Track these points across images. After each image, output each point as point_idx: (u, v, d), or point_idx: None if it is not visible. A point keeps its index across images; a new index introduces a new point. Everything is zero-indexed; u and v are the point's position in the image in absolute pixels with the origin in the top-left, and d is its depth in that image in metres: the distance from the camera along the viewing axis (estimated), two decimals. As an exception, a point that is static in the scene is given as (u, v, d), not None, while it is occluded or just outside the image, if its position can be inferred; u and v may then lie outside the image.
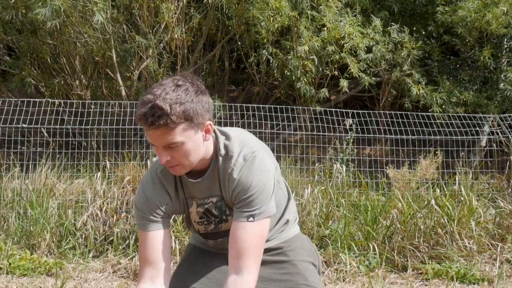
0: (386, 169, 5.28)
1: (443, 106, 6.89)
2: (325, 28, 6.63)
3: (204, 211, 2.00)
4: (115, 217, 4.70)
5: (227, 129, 1.98)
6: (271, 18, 6.47)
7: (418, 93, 6.85)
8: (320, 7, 6.75)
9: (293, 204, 2.15)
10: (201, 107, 1.82)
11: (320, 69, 6.86)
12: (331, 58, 6.73)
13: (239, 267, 1.86)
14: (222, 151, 1.92)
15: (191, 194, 1.99)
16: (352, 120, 5.55)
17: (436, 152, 5.28)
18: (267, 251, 2.03)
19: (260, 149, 1.94)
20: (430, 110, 6.80)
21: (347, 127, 5.54)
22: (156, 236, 1.96)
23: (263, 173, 1.90)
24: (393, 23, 7.23)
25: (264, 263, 1.97)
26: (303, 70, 6.60)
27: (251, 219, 1.88)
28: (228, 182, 1.90)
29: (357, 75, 6.67)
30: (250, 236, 1.87)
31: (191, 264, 2.13)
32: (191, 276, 2.08)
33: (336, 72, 6.91)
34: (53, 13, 5.84)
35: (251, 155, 1.90)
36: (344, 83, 6.76)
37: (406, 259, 4.50)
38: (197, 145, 1.85)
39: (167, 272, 1.96)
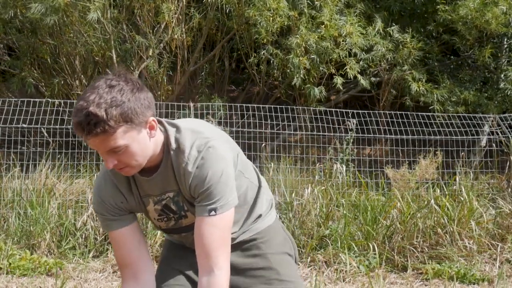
0: (385, 169, 5.28)
1: (444, 105, 6.90)
2: (323, 26, 6.63)
3: (162, 207, 1.93)
4: (115, 217, 4.69)
5: (177, 121, 1.89)
6: (271, 19, 6.47)
7: (418, 89, 6.86)
8: (317, 3, 6.75)
9: (266, 191, 2.08)
10: (139, 105, 1.72)
11: (320, 68, 6.86)
12: (330, 57, 6.73)
13: (209, 266, 1.80)
14: (173, 145, 1.82)
15: (146, 192, 1.91)
16: (353, 122, 5.55)
17: (436, 152, 5.28)
18: (240, 244, 1.99)
19: (215, 137, 1.85)
20: (430, 108, 6.81)
21: (349, 127, 5.54)
22: (123, 234, 1.91)
23: (218, 162, 1.80)
24: (393, 24, 7.23)
25: (237, 256, 1.95)
26: (304, 69, 6.60)
27: (212, 213, 1.80)
28: (184, 177, 1.82)
29: (353, 76, 6.67)
30: (214, 229, 1.80)
31: (170, 263, 2.08)
32: (172, 272, 2.04)
33: (333, 71, 6.90)
34: (47, 9, 5.81)
35: (205, 145, 1.81)
36: (338, 80, 6.74)
37: (406, 259, 4.50)
38: (142, 144, 1.75)
39: (147, 262, 1.92)
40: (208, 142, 1.81)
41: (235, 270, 1.94)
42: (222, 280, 1.81)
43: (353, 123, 5.52)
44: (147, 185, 1.89)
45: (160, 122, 1.85)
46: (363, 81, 6.87)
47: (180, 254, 2.08)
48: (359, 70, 6.79)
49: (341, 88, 7.00)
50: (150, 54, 6.92)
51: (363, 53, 6.83)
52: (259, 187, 2.03)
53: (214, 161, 1.80)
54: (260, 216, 2.04)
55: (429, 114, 6.06)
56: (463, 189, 4.92)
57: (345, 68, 6.70)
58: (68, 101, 6.16)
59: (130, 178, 1.89)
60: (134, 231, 1.93)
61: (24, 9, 6.38)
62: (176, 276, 2.03)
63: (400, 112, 5.79)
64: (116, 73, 1.76)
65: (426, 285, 4.25)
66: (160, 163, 1.85)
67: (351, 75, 6.65)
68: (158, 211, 1.94)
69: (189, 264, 2.02)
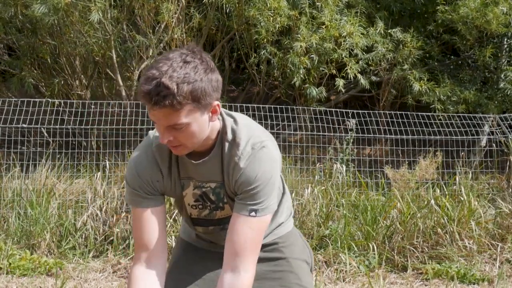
0: (385, 169, 5.28)
1: (444, 104, 6.90)
2: (324, 26, 6.64)
3: (201, 193, 1.89)
4: (115, 217, 4.70)
5: (234, 113, 1.85)
6: (271, 18, 6.47)
7: (420, 89, 6.86)
8: (318, 3, 6.75)
9: (288, 198, 2.07)
10: (209, 86, 1.67)
11: (320, 68, 6.86)
12: (331, 57, 6.73)
13: (236, 264, 1.77)
14: (229, 136, 1.79)
15: (188, 174, 1.86)
16: (353, 122, 5.55)
17: (436, 153, 5.28)
18: (262, 247, 1.93)
19: (268, 139, 1.83)
20: (431, 107, 6.81)
21: (349, 127, 5.54)
22: (149, 213, 1.84)
23: (270, 164, 1.79)
24: (393, 24, 7.23)
25: (258, 260, 1.89)
26: (303, 69, 6.60)
27: (253, 213, 1.77)
28: (233, 171, 1.78)
29: (353, 75, 6.67)
30: (251, 231, 1.77)
31: (184, 266, 2.04)
32: (185, 277, 2.00)
33: (334, 71, 6.91)
34: (50, 9, 5.82)
35: (260, 144, 1.78)
36: (340, 82, 6.75)
37: (406, 259, 4.50)
38: (202, 126, 1.71)
39: (162, 251, 1.87)
40: (263, 142, 1.79)
41: (257, 274, 1.89)
42: (247, 283, 1.78)
43: (353, 123, 5.52)
44: (192, 168, 1.84)
45: None
46: (363, 81, 6.87)
47: (194, 258, 2.05)
48: (359, 70, 6.79)
49: (342, 90, 7.01)
50: (150, 54, 6.91)
51: (363, 53, 6.84)
52: (284, 193, 2.02)
53: (266, 162, 1.78)
54: (281, 224, 2.03)
55: (429, 114, 6.06)
56: (463, 189, 4.92)
57: (345, 69, 6.71)
58: (68, 101, 6.16)
59: (173, 158, 1.84)
60: (160, 214, 1.87)
61: (24, 8, 6.38)
62: (191, 281, 2.00)
63: (400, 112, 5.79)
64: (191, 48, 1.70)
65: (426, 285, 4.25)
66: (210, 149, 1.81)
67: (351, 75, 6.65)
68: (196, 196, 1.90)
69: (200, 271, 2.00)
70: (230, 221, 1.82)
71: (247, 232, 1.77)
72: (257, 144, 1.78)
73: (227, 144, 1.79)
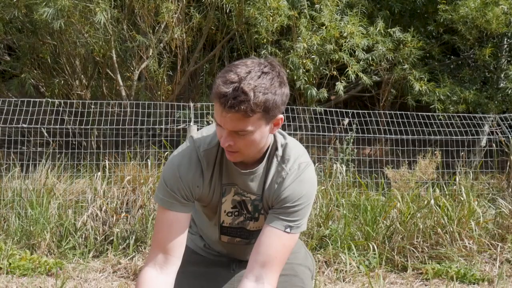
0: (385, 169, 5.27)
1: (444, 103, 6.90)
2: (324, 27, 6.64)
3: (240, 200, 1.90)
4: (115, 217, 4.70)
5: (284, 133, 1.92)
6: (271, 18, 6.47)
7: (420, 89, 6.86)
8: (317, 6, 6.76)
9: None
10: (280, 100, 1.71)
11: (321, 68, 6.86)
12: (331, 58, 6.73)
13: (261, 275, 1.78)
14: (280, 152, 1.85)
15: (232, 180, 1.87)
16: (352, 120, 5.55)
17: (435, 152, 5.28)
18: None
19: (312, 163, 1.89)
20: (431, 107, 6.81)
21: (344, 126, 5.54)
22: (178, 218, 1.83)
23: (313, 186, 1.86)
24: (394, 23, 7.23)
25: None
26: (303, 70, 6.60)
27: (288, 229, 1.80)
28: (277, 185, 1.83)
29: (355, 75, 6.67)
30: (282, 246, 1.80)
31: (193, 273, 2.03)
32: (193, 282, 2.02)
33: (335, 72, 6.91)
34: (58, 12, 5.83)
35: (306, 165, 1.84)
36: (340, 86, 6.76)
37: (406, 259, 4.50)
38: (262, 136, 1.75)
39: (179, 259, 1.85)
40: (308, 163, 1.86)
41: None
42: None
43: (347, 122, 5.52)
44: (237, 176, 1.86)
45: None
46: (365, 78, 6.86)
47: (207, 270, 2.06)
48: (360, 70, 6.80)
49: (342, 93, 7.02)
50: (150, 54, 6.92)
51: (364, 53, 6.84)
52: None
53: (311, 183, 1.85)
54: None
55: (429, 114, 6.06)
56: (463, 189, 4.92)
57: (346, 70, 6.71)
58: (68, 101, 6.16)
59: (217, 165, 1.86)
60: (187, 221, 1.86)
61: (25, 9, 6.38)
62: None
63: (400, 112, 5.79)
64: (270, 61, 1.74)
65: (426, 285, 4.25)
66: (258, 162, 1.85)
67: (352, 76, 6.65)
68: (235, 202, 1.91)
69: (217, 279, 2.04)
70: (261, 232, 1.83)
71: (279, 247, 1.80)
72: (303, 164, 1.84)
73: (275, 160, 1.85)
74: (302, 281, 2.03)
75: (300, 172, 1.83)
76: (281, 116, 1.76)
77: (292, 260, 2.03)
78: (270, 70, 1.70)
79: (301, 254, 2.12)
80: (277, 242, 1.80)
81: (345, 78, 6.80)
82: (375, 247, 4.47)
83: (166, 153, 5.20)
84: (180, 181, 1.82)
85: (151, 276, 1.82)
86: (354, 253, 4.49)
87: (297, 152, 1.85)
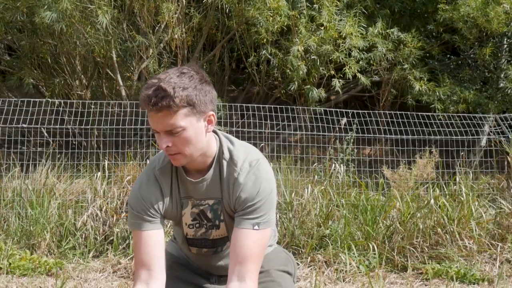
0: (384, 169, 5.27)
1: (444, 103, 6.90)
2: (322, 27, 6.64)
3: (198, 212, 1.99)
4: (115, 217, 4.70)
5: (230, 136, 1.99)
6: (271, 18, 6.47)
7: (420, 89, 6.87)
8: (315, 5, 6.76)
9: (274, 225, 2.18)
10: (204, 94, 1.82)
11: (320, 69, 6.86)
12: (330, 58, 6.73)
13: (242, 273, 1.84)
14: (226, 155, 1.92)
15: (188, 193, 1.96)
16: (352, 120, 5.55)
17: (432, 151, 5.27)
18: None
19: (263, 158, 1.95)
20: (431, 107, 6.80)
21: (342, 126, 5.54)
22: (150, 236, 1.93)
23: (269, 180, 1.92)
24: (393, 23, 7.23)
25: None
26: (301, 72, 6.60)
27: (256, 227, 1.87)
28: (234, 186, 1.90)
29: (352, 75, 6.67)
30: (254, 244, 1.87)
31: (174, 277, 2.08)
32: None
33: (333, 72, 6.91)
34: (59, 15, 5.83)
35: (257, 162, 1.91)
36: (337, 83, 6.76)
37: (406, 259, 4.50)
38: (198, 134, 1.83)
39: (162, 272, 1.94)
40: (259, 160, 1.92)
41: None
42: None
43: (344, 122, 5.52)
44: (191, 187, 1.95)
45: (215, 132, 1.94)
46: (363, 79, 6.87)
47: (180, 276, 2.11)
48: (359, 69, 6.80)
49: (340, 91, 7.02)
50: (150, 54, 6.92)
51: (364, 52, 6.84)
52: None
53: (265, 178, 1.91)
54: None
55: (429, 114, 6.06)
56: (463, 189, 4.92)
57: (344, 69, 6.71)
58: (68, 101, 6.16)
59: (173, 180, 1.95)
60: (160, 237, 1.95)
61: (26, 10, 6.38)
62: None
63: (400, 112, 5.78)
64: (189, 64, 1.90)
65: (426, 285, 4.25)
66: (208, 168, 1.93)
67: (350, 75, 6.66)
68: (193, 215, 2.00)
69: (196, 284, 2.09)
70: (232, 236, 1.90)
71: (251, 245, 1.86)
72: (253, 162, 1.91)
73: (225, 162, 1.92)
74: (279, 285, 2.07)
75: (251, 170, 1.89)
76: (211, 112, 1.86)
77: (268, 267, 2.08)
78: (188, 70, 1.83)
79: (280, 259, 2.16)
80: (249, 241, 1.86)
81: (342, 76, 6.80)
82: (375, 247, 4.46)
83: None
84: (143, 201, 1.93)
85: None
86: (354, 253, 4.49)
87: (245, 152, 1.92)
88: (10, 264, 4.26)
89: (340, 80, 6.82)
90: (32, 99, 5.52)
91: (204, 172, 1.93)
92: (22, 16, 6.43)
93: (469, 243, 4.56)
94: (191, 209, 1.98)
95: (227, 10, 7.02)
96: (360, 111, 5.71)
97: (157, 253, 1.93)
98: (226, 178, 1.91)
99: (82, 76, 7.33)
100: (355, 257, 4.44)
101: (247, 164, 1.90)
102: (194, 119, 1.81)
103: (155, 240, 1.93)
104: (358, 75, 6.76)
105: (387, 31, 7.07)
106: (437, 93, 6.86)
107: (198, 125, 1.82)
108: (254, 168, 1.90)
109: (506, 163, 5.54)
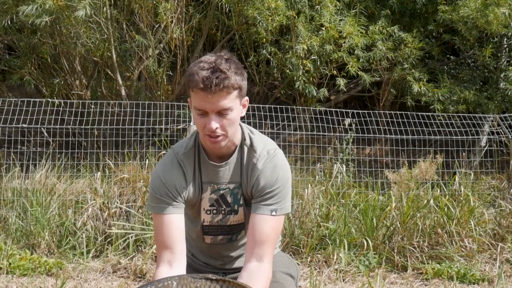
0: (385, 171, 5.27)
1: (444, 104, 6.90)
2: (323, 28, 6.64)
3: (217, 197, 2.04)
4: (115, 217, 4.70)
5: (250, 127, 2.09)
6: (269, 18, 6.47)
7: (419, 90, 6.87)
8: (317, 6, 6.76)
9: None
10: (245, 80, 1.92)
11: (320, 69, 6.86)
12: (331, 58, 6.73)
13: (261, 254, 1.92)
14: (248, 141, 2.01)
15: (209, 178, 2.02)
16: (352, 120, 5.55)
17: (436, 156, 5.27)
18: None
19: (279, 149, 2.05)
20: (431, 107, 6.80)
21: (346, 126, 5.54)
22: (172, 220, 1.97)
23: (286, 169, 2.01)
24: (394, 24, 7.23)
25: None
26: (303, 70, 6.60)
27: (273, 213, 1.95)
28: (252, 171, 1.98)
29: (355, 73, 6.68)
30: (271, 229, 1.95)
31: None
32: None
33: (335, 72, 6.91)
34: (38, 11, 5.80)
35: (274, 151, 2.00)
36: (341, 81, 6.76)
37: (406, 259, 4.50)
38: (238, 116, 1.93)
39: (184, 255, 1.98)
40: (276, 150, 2.03)
41: None
42: (269, 272, 1.94)
43: (349, 122, 5.52)
44: (213, 172, 2.01)
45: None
46: (366, 77, 6.87)
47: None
48: (360, 68, 6.80)
49: (344, 89, 7.02)
50: (150, 54, 6.91)
51: (364, 51, 6.84)
52: None
53: (282, 166, 2.00)
54: None
55: (429, 114, 6.06)
56: (463, 189, 4.92)
57: (346, 68, 6.71)
58: (68, 101, 6.16)
59: (196, 165, 2.01)
60: (182, 221, 2.00)
61: (15, 10, 6.37)
62: None
63: (400, 112, 5.78)
64: (225, 52, 1.94)
65: (426, 285, 4.25)
66: (231, 154, 2.01)
67: (352, 72, 6.66)
68: (212, 201, 2.05)
69: None
70: (249, 222, 1.97)
71: (268, 230, 1.94)
72: (271, 150, 2.01)
73: (246, 149, 2.01)
74: (283, 286, 2.11)
75: (270, 158, 1.99)
76: (247, 98, 1.97)
77: (274, 268, 2.10)
78: (230, 57, 1.91)
79: (283, 263, 2.21)
80: (266, 227, 1.94)
81: (345, 74, 6.80)
82: (375, 247, 4.46)
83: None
84: (166, 185, 1.98)
85: (164, 271, 1.93)
86: (354, 253, 4.49)
87: (263, 141, 2.03)
88: (10, 264, 4.26)
89: (343, 79, 6.82)
90: (32, 99, 5.52)
91: (227, 158, 2.00)
92: (17, 16, 6.42)
93: (469, 243, 4.56)
94: (209, 194, 2.03)
95: (227, 10, 7.02)
96: (360, 111, 5.71)
97: (178, 237, 1.96)
98: (246, 163, 1.99)
99: (82, 76, 7.32)
100: (355, 257, 4.44)
101: (265, 152, 1.99)
102: (238, 102, 1.90)
103: (177, 224, 1.97)
104: (361, 73, 6.77)
105: (388, 29, 7.06)
106: (436, 94, 6.86)
107: (239, 108, 1.92)
108: (272, 156, 1.98)
109: (507, 163, 5.54)
